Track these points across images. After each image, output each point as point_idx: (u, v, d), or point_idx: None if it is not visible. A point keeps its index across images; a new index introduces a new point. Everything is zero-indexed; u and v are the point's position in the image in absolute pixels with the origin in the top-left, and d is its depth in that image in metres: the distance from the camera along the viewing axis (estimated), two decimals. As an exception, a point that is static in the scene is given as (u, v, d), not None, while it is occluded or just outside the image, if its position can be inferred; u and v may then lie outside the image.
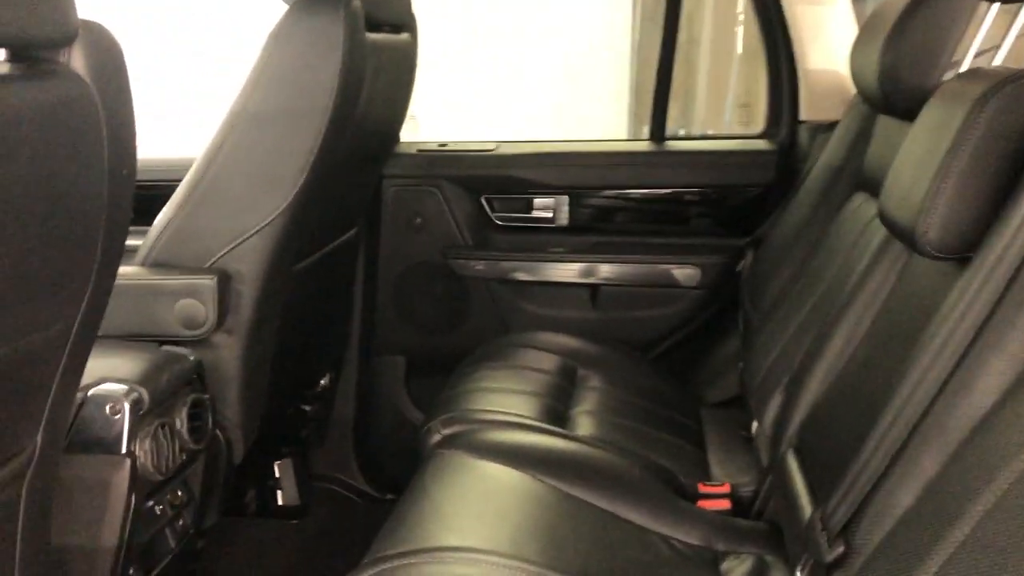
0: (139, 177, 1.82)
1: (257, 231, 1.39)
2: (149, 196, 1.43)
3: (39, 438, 0.95)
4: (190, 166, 1.40)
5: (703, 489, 1.40)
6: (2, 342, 0.81)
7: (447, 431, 1.48)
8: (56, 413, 0.96)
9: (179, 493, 1.33)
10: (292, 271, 1.53)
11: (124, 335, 1.37)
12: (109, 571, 1.14)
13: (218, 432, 1.44)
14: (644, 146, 1.99)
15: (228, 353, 1.43)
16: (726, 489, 1.38)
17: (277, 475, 2.00)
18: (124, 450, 1.15)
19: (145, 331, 1.37)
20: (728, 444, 1.54)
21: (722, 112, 3.64)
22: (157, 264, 1.40)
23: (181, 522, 1.35)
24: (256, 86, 1.36)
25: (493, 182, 1.95)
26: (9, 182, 0.72)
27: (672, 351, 1.92)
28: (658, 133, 1.98)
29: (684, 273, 1.92)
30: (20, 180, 0.74)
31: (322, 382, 1.99)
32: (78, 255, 0.86)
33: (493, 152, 1.96)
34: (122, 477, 1.14)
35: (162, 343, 1.37)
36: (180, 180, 1.41)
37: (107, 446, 1.15)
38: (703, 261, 1.90)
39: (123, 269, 1.42)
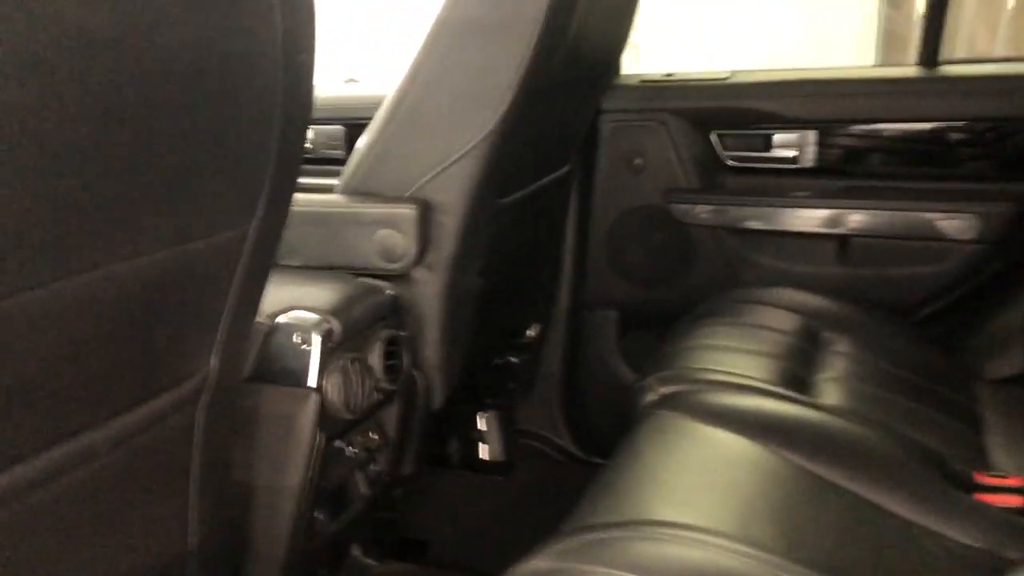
0: (350, 114, 1.75)
1: (461, 156, 1.26)
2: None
3: (213, 361, 0.86)
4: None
5: (982, 480, 1.13)
6: (162, 244, 0.71)
7: (665, 390, 1.29)
8: (232, 336, 0.87)
9: (372, 436, 1.24)
10: (498, 204, 1.39)
11: (319, 266, 1.29)
12: (292, 511, 1.06)
13: (415, 374, 1.34)
14: (911, 72, 1.68)
15: (428, 290, 1.32)
16: (1016, 482, 1.10)
17: (481, 428, 1.90)
18: (311, 383, 1.06)
19: (341, 262, 1.29)
20: (1015, 429, 1.25)
21: (995, 27, 3.09)
22: (356, 192, 1.31)
23: (374, 467, 1.26)
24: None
25: (726, 116, 1.72)
26: (173, 47, 0.61)
27: (940, 316, 1.62)
28: (930, 56, 1.66)
29: (956, 224, 1.60)
30: (184, 46, 0.63)
31: (529, 332, 1.86)
32: (248, 150, 0.75)
33: (726, 81, 1.72)
34: (308, 411, 1.06)
35: (358, 275, 1.28)
36: None
37: (294, 378, 1.06)
38: (982, 209, 1.58)
39: (319, 197, 1.35)
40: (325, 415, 1.08)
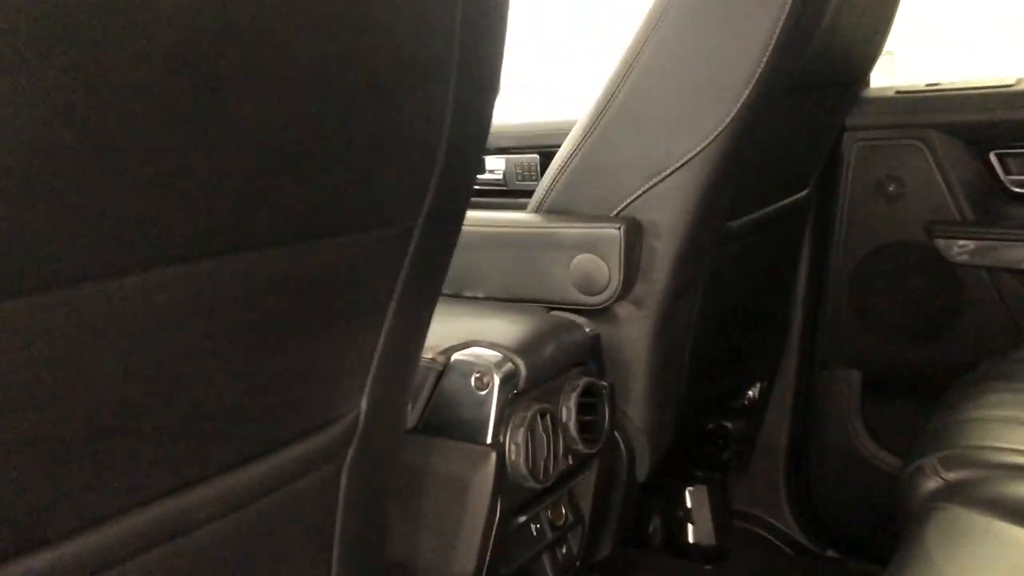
0: (546, 142, 1.54)
1: (681, 166, 1.01)
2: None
3: (364, 403, 0.65)
4: None
5: None
6: (316, 232, 0.51)
7: (950, 476, 0.97)
8: (388, 371, 0.66)
9: (563, 511, 0.99)
10: (723, 228, 1.13)
11: (505, 298, 1.08)
12: (462, 601, 0.84)
13: (617, 435, 1.08)
14: None
15: (635, 330, 1.07)
16: None
17: (689, 505, 1.61)
18: (489, 439, 0.84)
19: (531, 293, 1.06)
20: None
21: None
22: (551, 211, 1.09)
23: (564, 549, 1.01)
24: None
25: (1008, 131, 1.38)
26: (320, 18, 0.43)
27: None
28: None
29: None
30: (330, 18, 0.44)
31: (750, 393, 1.56)
32: (415, 137, 0.54)
33: (1012, 88, 1.38)
34: (485, 475, 0.83)
35: (551, 310, 1.05)
36: None
37: (468, 432, 0.84)
38: None
39: (507, 215, 1.14)
40: (506, 481, 0.85)
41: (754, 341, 1.46)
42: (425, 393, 0.86)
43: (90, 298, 0.41)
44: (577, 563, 1.03)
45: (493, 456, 0.83)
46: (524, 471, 0.85)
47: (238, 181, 0.45)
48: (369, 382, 0.65)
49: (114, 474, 0.48)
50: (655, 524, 1.62)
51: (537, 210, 1.10)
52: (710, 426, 1.57)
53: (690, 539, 1.59)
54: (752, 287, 1.33)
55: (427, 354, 0.86)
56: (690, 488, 1.60)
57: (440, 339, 0.88)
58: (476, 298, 1.09)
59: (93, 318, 0.42)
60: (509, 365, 0.86)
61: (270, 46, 0.43)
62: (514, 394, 0.86)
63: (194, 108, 0.41)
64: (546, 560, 0.99)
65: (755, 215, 1.21)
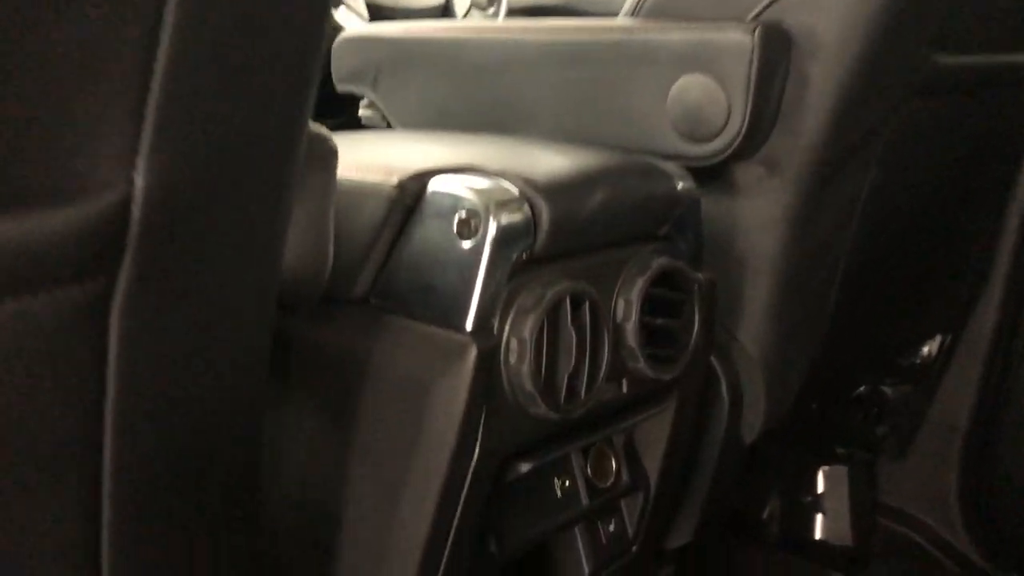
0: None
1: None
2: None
3: (138, 177, 0.31)
4: None
5: None
6: None
7: None
8: (179, 124, 0.31)
9: (612, 465, 0.63)
10: (927, 62, 0.72)
11: (582, 138, 0.71)
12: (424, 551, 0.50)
13: (716, 365, 0.71)
14: None
15: (763, 209, 0.69)
16: None
17: (820, 489, 1.20)
18: (470, 323, 0.48)
19: (604, 135, 0.70)
20: None
21: None
22: (652, 13, 0.71)
23: (612, 526, 0.65)
24: None
25: None
26: None
27: None
28: None
29: None
30: None
31: (925, 350, 1.13)
32: None
33: None
34: (457, 382, 0.48)
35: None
36: None
37: (439, 307, 0.49)
38: None
39: (580, 23, 0.77)
40: (499, 398, 0.50)
41: (941, 274, 1.03)
42: (382, 243, 0.51)
43: None
44: (633, 549, 0.67)
45: (473, 352, 0.48)
46: (529, 386, 0.49)
47: None
48: (146, 136, 0.32)
49: None
50: (772, 509, 1.23)
51: (633, 12, 0.73)
52: (863, 388, 1.16)
53: (817, 535, 1.19)
54: (954, 181, 0.90)
55: (391, 177, 0.51)
56: (825, 468, 1.20)
57: (430, 160, 0.54)
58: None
59: None
60: (519, 207, 0.50)
61: None
62: (525, 256, 0.50)
63: None
64: (580, 538, 0.63)
65: (980, 58, 0.78)
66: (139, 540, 0.38)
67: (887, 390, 1.17)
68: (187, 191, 0.34)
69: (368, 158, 0.56)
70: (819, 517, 1.20)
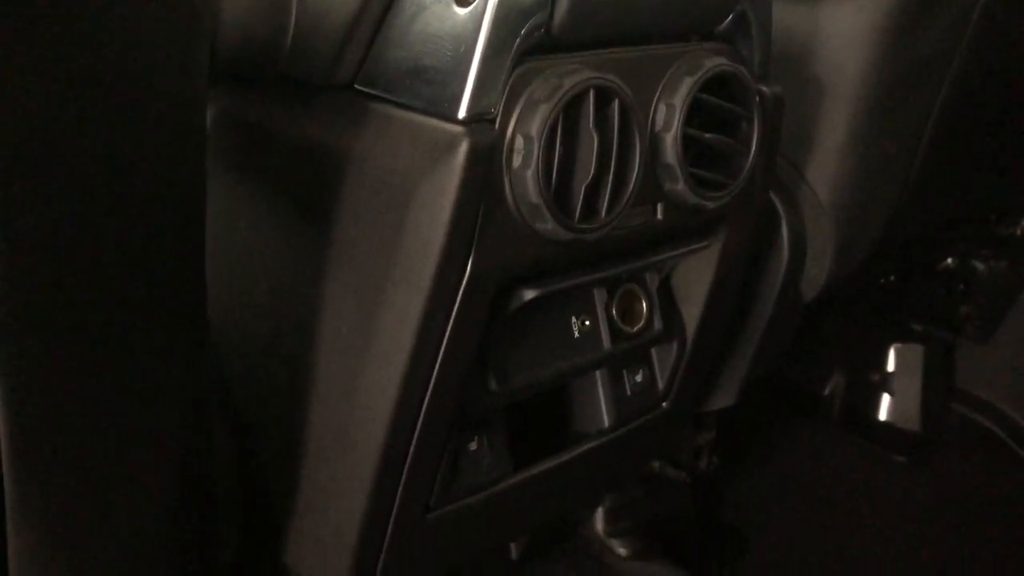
0: None
1: None
2: None
3: None
4: None
5: None
6: None
7: None
8: None
9: (643, 306, 0.55)
10: None
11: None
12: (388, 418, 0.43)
13: (776, 201, 0.61)
14: None
15: (854, 8, 0.57)
16: None
17: (891, 368, 1.11)
18: (464, 110, 0.40)
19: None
20: None
21: None
22: None
23: (640, 377, 0.58)
24: None
25: None
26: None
27: None
28: None
29: None
30: None
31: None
32: None
33: None
34: (445, 180, 0.40)
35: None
36: None
37: (429, 91, 0.41)
38: None
39: None
40: (496, 206, 0.41)
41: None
42: (369, 15, 0.42)
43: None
44: (663, 405, 0.59)
45: (464, 145, 0.39)
46: (535, 196, 0.41)
47: None
48: None
49: None
50: (835, 385, 1.14)
51: None
52: (950, 260, 1.04)
53: (883, 416, 1.11)
54: None
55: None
56: (898, 345, 1.10)
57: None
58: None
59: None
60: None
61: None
62: (540, 34, 0.41)
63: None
64: (600, 386, 0.56)
65: None
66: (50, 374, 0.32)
67: (978, 264, 1.05)
68: None
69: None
70: (886, 397, 1.11)
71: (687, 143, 0.47)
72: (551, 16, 0.41)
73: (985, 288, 1.06)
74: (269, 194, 0.47)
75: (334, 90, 0.44)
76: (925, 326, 1.09)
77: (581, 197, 0.42)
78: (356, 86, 0.44)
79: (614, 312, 0.54)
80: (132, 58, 0.30)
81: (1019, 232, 1.00)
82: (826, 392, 1.15)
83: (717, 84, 0.48)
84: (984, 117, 0.73)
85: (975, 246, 1.02)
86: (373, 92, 0.43)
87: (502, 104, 0.40)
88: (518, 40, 0.40)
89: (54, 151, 0.29)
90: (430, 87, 0.40)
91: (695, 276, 0.56)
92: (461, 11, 0.39)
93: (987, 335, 1.10)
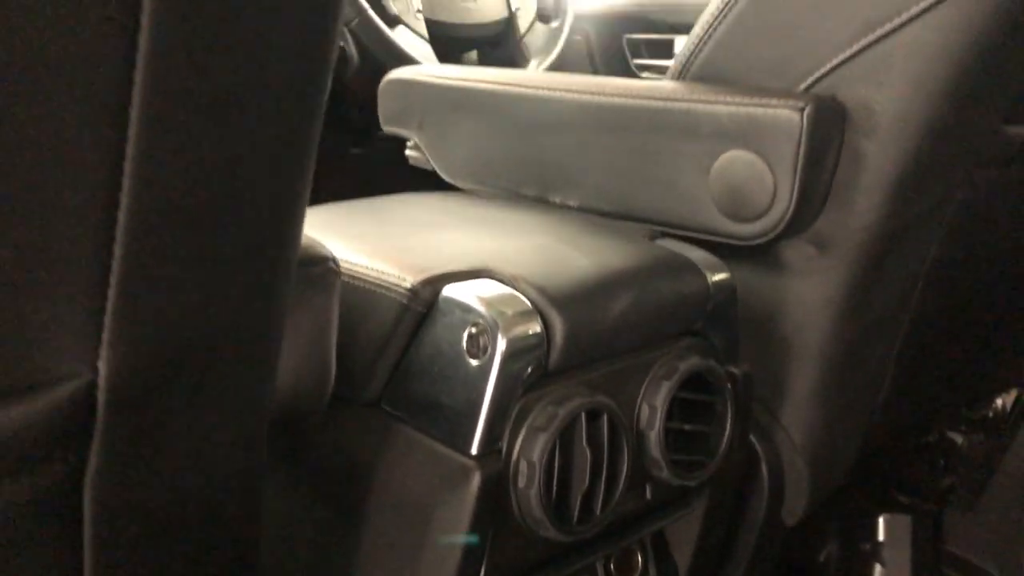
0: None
1: (919, 15, 0.57)
2: None
3: (101, 364, 0.30)
4: None
5: None
6: None
7: None
8: (150, 303, 0.30)
9: (638, 560, 0.61)
10: (996, 134, 0.66)
11: (607, 210, 0.68)
12: None
13: (758, 448, 0.68)
14: None
15: (811, 291, 0.65)
16: None
17: (881, 538, 1.15)
18: (476, 447, 0.47)
19: (643, 207, 0.66)
20: None
21: None
22: (699, 78, 0.68)
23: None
24: None
25: None
26: None
27: None
28: None
29: None
30: None
31: (999, 402, 1.07)
32: None
33: None
34: (460, 505, 0.46)
35: (666, 234, 0.65)
36: None
37: (446, 424, 0.48)
38: None
39: (624, 83, 0.73)
40: (505, 521, 0.48)
41: (1013, 327, 0.96)
42: (393, 348, 0.50)
43: None
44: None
45: (477, 477, 0.46)
46: (538, 512, 0.47)
47: None
48: (107, 328, 0.30)
49: None
50: (829, 552, 1.19)
51: (678, 74, 0.69)
52: (929, 438, 1.10)
53: (875, 583, 1.15)
54: (1012, 252, 0.84)
55: (404, 280, 0.50)
56: (886, 515, 1.15)
57: (445, 259, 0.52)
58: (566, 206, 0.71)
59: None
60: (530, 322, 0.48)
61: None
62: (537, 373, 0.48)
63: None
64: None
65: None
66: None
67: (957, 438, 1.11)
68: (156, 368, 0.33)
69: (384, 245, 0.54)
70: (878, 567, 1.15)
71: (669, 434, 0.54)
72: (547, 357, 0.48)
73: (965, 460, 1.12)
74: (307, 489, 0.54)
75: (363, 406, 0.51)
76: (911, 498, 1.14)
77: (578, 504, 0.49)
78: (383, 405, 0.51)
79: (612, 567, 0.59)
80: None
81: (991, 414, 1.07)
82: (821, 559, 1.19)
83: (691, 378, 0.55)
84: (943, 342, 0.80)
85: (953, 424, 1.08)
86: (396, 414, 0.50)
87: (507, 434, 0.47)
88: (520, 382, 0.47)
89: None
90: (447, 421, 0.48)
91: (685, 530, 0.62)
92: (473, 362, 0.47)
93: (971, 504, 1.15)
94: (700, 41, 0.67)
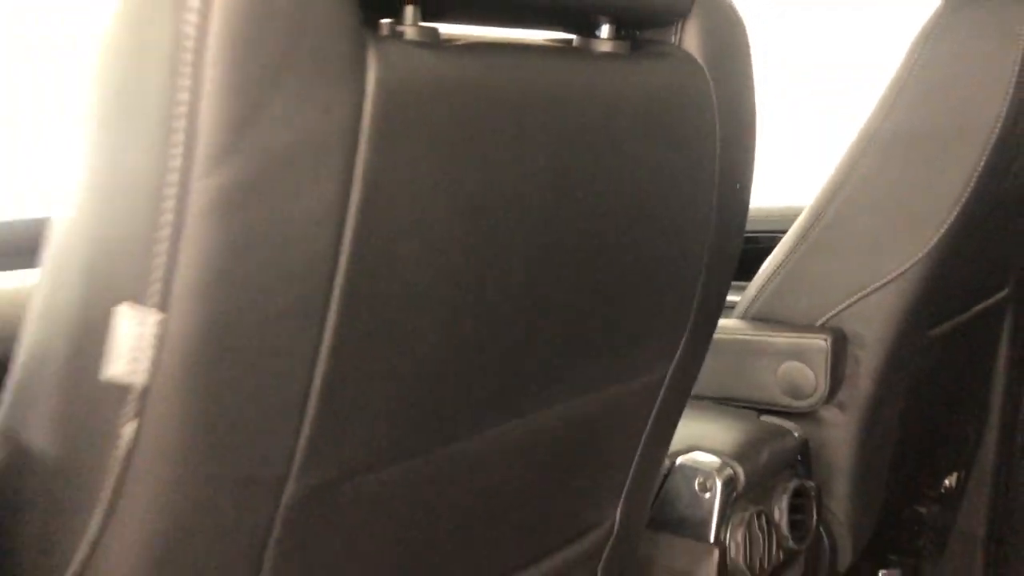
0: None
1: (886, 283, 1.10)
2: (748, 250, 1.24)
3: (619, 511, 0.79)
4: (795, 216, 1.18)
5: None
6: (582, 391, 0.65)
7: None
8: (639, 484, 0.79)
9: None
10: (925, 337, 1.20)
11: (716, 397, 1.19)
12: None
13: (821, 530, 1.16)
14: None
15: (840, 434, 1.15)
16: None
17: (881, 588, 1.64)
18: (712, 538, 0.95)
19: (741, 395, 1.17)
20: None
21: None
22: (759, 319, 1.20)
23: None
24: (897, 101, 1.08)
25: None
26: (602, 179, 0.56)
27: None
28: None
29: None
30: (620, 179, 0.58)
31: (947, 482, 1.59)
32: (675, 291, 0.68)
33: None
34: (709, 571, 0.94)
35: (760, 412, 1.15)
36: (783, 232, 1.19)
37: (693, 529, 0.96)
38: None
39: (721, 322, 1.26)
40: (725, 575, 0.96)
41: (953, 433, 1.49)
42: (652, 495, 0.98)
43: (463, 452, 0.57)
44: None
45: (716, 553, 0.94)
46: (743, 566, 0.96)
47: (549, 356, 0.59)
48: (623, 496, 0.78)
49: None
50: (846, 602, 1.67)
51: (744, 315, 1.21)
52: (905, 512, 1.61)
53: (882, 621, 1.62)
54: (953, 386, 1.38)
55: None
56: (883, 571, 1.63)
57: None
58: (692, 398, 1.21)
59: (458, 466, 0.58)
60: (729, 470, 0.97)
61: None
62: (733, 496, 0.97)
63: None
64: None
65: (955, 320, 1.26)
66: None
67: (922, 511, 1.61)
68: (638, 514, 0.80)
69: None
70: (881, 608, 1.63)
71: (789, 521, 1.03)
72: (736, 487, 0.97)
73: (931, 526, 1.62)
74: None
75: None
76: (897, 556, 1.63)
77: (758, 562, 0.97)
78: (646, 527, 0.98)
79: None
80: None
81: (943, 490, 1.58)
82: (840, 608, 1.66)
83: (795, 491, 1.04)
84: (914, 446, 1.32)
85: (918, 500, 1.59)
86: (656, 529, 0.98)
87: (723, 528, 0.96)
88: (727, 500, 0.96)
89: None
90: (692, 526, 0.95)
91: (793, 577, 1.10)
92: (704, 495, 0.95)
93: (937, 558, 1.65)
94: (760, 291, 1.19)
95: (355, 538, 0.54)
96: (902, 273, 1.09)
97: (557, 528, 0.73)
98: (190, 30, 0.37)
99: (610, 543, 0.79)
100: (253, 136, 0.39)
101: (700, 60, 0.63)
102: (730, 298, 1.28)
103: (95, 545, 0.44)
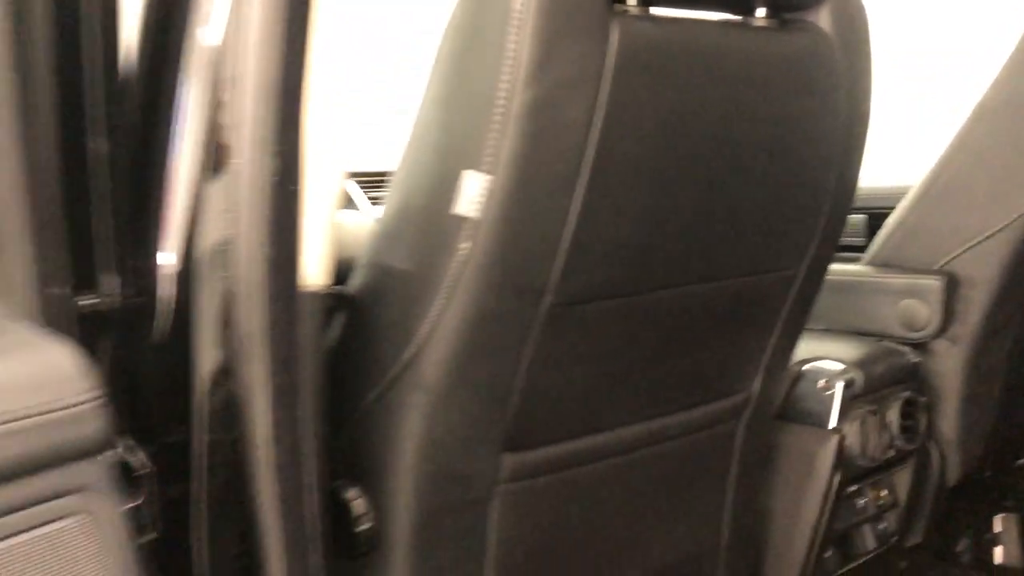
0: (874, 203, 1.84)
1: (998, 231, 1.29)
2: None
3: (756, 385, 1.03)
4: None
5: None
6: (739, 274, 0.90)
7: None
8: (773, 365, 1.03)
9: (883, 493, 1.29)
10: None
11: (845, 329, 1.40)
12: (806, 541, 1.17)
13: (930, 444, 1.36)
14: None
15: (948, 363, 1.34)
16: None
17: (997, 529, 1.79)
18: (832, 425, 1.17)
19: (863, 327, 1.38)
20: None
21: None
22: (884, 264, 1.40)
23: (884, 525, 1.31)
24: (1008, 77, 1.27)
25: None
26: (758, 117, 0.82)
27: None
28: None
29: None
30: (767, 118, 0.83)
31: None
32: (808, 203, 0.92)
33: None
34: (828, 451, 1.16)
35: (881, 340, 1.36)
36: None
37: (816, 419, 1.18)
38: None
39: (847, 267, 1.46)
40: (842, 457, 1.17)
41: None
42: (783, 391, 1.21)
43: (654, 300, 0.83)
44: (893, 539, 1.32)
45: (835, 438, 1.16)
46: (857, 450, 1.18)
47: (716, 233, 0.85)
48: (760, 371, 1.03)
49: (628, 404, 0.90)
50: (964, 543, 1.82)
51: (872, 261, 1.42)
52: (1022, 460, 1.75)
53: (997, 560, 1.77)
54: None
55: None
56: (1000, 515, 1.78)
57: (795, 355, 1.24)
58: (819, 329, 1.43)
59: (647, 311, 0.84)
60: (849, 375, 1.19)
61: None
62: (851, 395, 1.19)
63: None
64: (867, 530, 1.29)
65: None
66: None
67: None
68: (771, 390, 1.04)
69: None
70: (998, 548, 1.77)
71: (900, 425, 1.23)
72: (854, 389, 1.19)
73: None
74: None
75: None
76: (1015, 502, 1.77)
77: (871, 448, 1.19)
78: (778, 418, 1.22)
79: (871, 495, 1.28)
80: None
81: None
82: (959, 547, 1.82)
83: (906, 401, 1.25)
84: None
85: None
86: (787, 420, 1.21)
87: (841, 420, 1.18)
88: (846, 399, 1.18)
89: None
90: (816, 418, 1.18)
91: (904, 480, 1.31)
92: (827, 393, 1.18)
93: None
94: (886, 239, 1.40)
95: (577, 349, 0.82)
96: (1009, 224, 1.27)
97: (709, 383, 0.98)
98: (518, 5, 0.65)
99: (749, 409, 1.03)
100: (549, 69, 0.66)
101: (831, 35, 0.87)
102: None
103: (434, 324, 0.73)
